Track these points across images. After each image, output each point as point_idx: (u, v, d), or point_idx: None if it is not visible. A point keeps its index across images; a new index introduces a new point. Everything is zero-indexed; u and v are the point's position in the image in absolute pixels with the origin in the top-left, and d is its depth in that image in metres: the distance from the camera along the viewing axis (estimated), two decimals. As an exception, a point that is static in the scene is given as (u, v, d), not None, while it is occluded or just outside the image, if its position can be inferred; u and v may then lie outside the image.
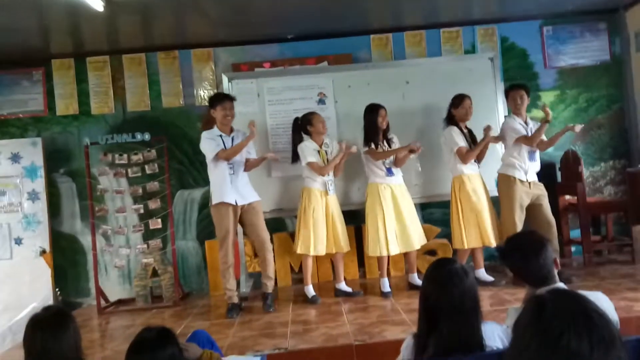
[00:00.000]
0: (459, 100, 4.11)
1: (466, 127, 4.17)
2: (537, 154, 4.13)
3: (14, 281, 4.65)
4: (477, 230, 4.03)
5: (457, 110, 4.11)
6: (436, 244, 4.69)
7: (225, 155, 3.85)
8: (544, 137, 4.04)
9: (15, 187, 4.76)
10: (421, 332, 1.68)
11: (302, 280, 4.25)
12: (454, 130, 4.07)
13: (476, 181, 4.09)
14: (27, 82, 4.96)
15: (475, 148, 4.05)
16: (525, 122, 4.11)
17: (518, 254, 1.92)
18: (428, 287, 1.69)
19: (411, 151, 4.02)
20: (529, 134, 4.04)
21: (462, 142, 4.04)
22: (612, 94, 5.10)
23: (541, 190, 4.09)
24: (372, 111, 4.09)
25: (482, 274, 4.10)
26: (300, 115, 4.24)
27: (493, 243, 4.01)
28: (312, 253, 4.05)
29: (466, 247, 4.03)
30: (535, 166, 4.10)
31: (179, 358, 1.67)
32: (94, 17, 3.93)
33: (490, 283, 4.01)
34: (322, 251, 4.06)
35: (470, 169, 4.08)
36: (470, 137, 4.15)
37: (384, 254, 4.02)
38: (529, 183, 4.04)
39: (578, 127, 3.95)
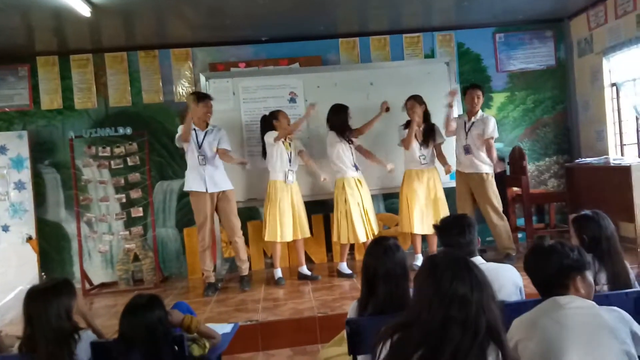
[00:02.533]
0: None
1: (419, 125, 4.54)
2: (472, 148, 4.48)
3: (1, 266, 4.93)
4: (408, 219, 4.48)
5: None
6: (396, 231, 5.14)
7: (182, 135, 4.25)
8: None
9: (2, 178, 5.03)
10: (363, 296, 2.08)
11: (273, 265, 4.65)
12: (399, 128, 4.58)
13: (423, 175, 4.50)
14: (13, 78, 5.21)
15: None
16: (469, 120, 4.53)
17: (452, 231, 2.27)
18: (368, 259, 2.08)
19: (387, 109, 4.63)
20: (466, 131, 4.50)
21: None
22: (556, 95, 5.63)
23: (476, 181, 4.51)
24: (342, 111, 4.49)
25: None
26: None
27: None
28: (279, 240, 4.45)
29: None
30: (466, 159, 4.52)
31: (165, 320, 1.99)
32: (79, 19, 4.20)
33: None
34: (288, 237, 4.46)
35: (425, 165, 4.51)
36: (424, 135, 4.54)
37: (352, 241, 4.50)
38: (464, 174, 4.54)
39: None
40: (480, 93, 4.56)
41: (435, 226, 2.42)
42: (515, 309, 1.83)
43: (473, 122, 4.52)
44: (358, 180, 4.50)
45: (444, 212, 4.45)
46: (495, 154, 4.51)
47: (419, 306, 1.36)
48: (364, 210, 4.45)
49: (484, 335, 1.28)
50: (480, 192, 4.47)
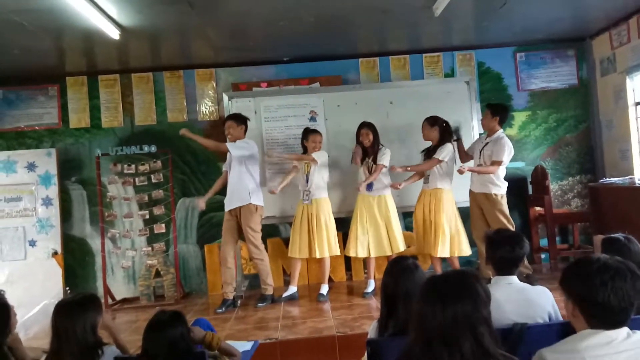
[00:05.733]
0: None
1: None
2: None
3: (27, 280, 5.03)
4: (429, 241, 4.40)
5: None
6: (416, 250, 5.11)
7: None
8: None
9: (30, 194, 5.18)
10: (382, 316, 2.08)
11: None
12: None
13: (430, 196, 4.43)
14: (43, 97, 5.40)
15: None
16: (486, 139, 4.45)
17: (503, 247, 2.18)
18: (387, 280, 2.09)
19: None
20: (480, 150, 4.40)
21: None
22: (579, 114, 5.58)
23: (483, 200, 4.40)
24: (359, 133, 4.52)
25: None
26: (300, 131, 4.73)
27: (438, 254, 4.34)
28: (289, 255, 4.56)
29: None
30: (477, 178, 4.42)
31: (187, 337, 2.03)
32: (108, 42, 4.35)
33: None
34: (297, 254, 4.50)
35: (426, 185, 4.48)
36: (427, 153, 4.52)
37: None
38: (474, 193, 4.46)
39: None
40: (487, 111, 4.43)
41: (487, 237, 2.34)
42: (540, 332, 1.83)
43: (487, 143, 4.41)
44: (367, 197, 4.50)
45: (462, 234, 4.41)
46: (481, 170, 4.32)
47: (412, 328, 1.39)
48: (364, 227, 4.48)
49: (473, 352, 1.27)
50: (489, 212, 4.35)
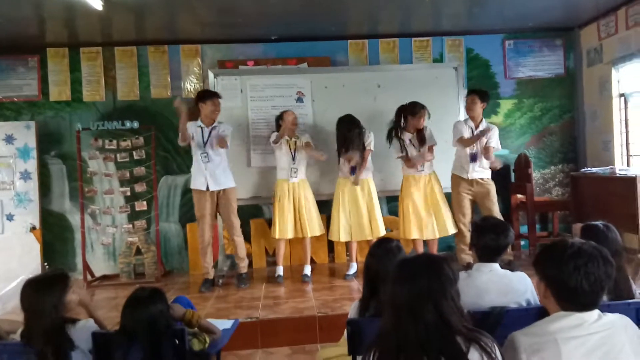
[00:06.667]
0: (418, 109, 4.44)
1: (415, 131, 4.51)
2: (479, 156, 4.39)
3: (5, 254, 4.95)
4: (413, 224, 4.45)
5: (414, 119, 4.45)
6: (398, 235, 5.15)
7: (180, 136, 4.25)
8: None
9: (8, 167, 5.06)
10: (364, 297, 2.09)
11: (276, 262, 4.66)
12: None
13: (420, 181, 4.48)
14: (22, 68, 5.24)
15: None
16: (477, 126, 4.44)
17: (488, 235, 2.18)
18: (370, 261, 2.10)
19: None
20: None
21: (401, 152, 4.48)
22: (564, 104, 5.62)
23: (485, 187, 4.44)
24: (349, 128, 4.42)
25: None
26: (279, 111, 4.62)
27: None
28: (276, 237, 4.49)
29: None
30: (478, 166, 4.43)
31: (166, 314, 2.00)
32: (91, 13, 4.22)
33: None
34: (287, 235, 4.48)
35: (420, 171, 4.48)
36: (420, 140, 4.51)
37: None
38: (471, 181, 4.44)
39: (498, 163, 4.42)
40: (476, 98, 4.41)
41: (474, 223, 2.35)
42: (517, 316, 1.85)
43: (480, 131, 4.41)
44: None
45: (447, 216, 4.46)
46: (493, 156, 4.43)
47: (386, 309, 1.41)
48: (346, 211, 4.48)
49: (437, 325, 1.30)
50: (487, 198, 4.40)
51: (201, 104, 4.29)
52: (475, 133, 4.40)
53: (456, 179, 4.51)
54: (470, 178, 4.43)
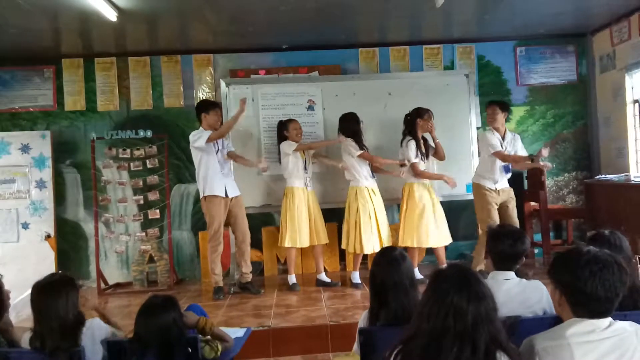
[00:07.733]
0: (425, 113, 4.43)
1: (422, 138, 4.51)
2: (510, 167, 4.40)
3: (20, 262, 4.99)
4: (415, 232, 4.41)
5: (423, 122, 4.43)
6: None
7: (217, 134, 4.24)
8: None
9: (24, 176, 5.14)
10: (373, 306, 2.07)
11: (287, 271, 4.65)
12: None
13: (430, 188, 4.49)
14: (38, 79, 5.34)
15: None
16: (503, 137, 4.37)
17: (505, 241, 2.19)
18: (375, 270, 2.07)
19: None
20: (502, 148, 4.32)
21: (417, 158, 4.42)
22: (577, 111, 5.57)
23: (509, 196, 4.42)
24: (358, 122, 4.46)
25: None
26: (298, 119, 4.63)
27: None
28: (297, 245, 4.47)
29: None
30: (506, 177, 4.43)
31: (179, 322, 2.01)
32: (105, 24, 4.29)
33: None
34: (305, 243, 4.48)
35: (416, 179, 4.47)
36: (426, 148, 4.52)
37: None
38: (498, 190, 4.38)
39: (545, 151, 4.22)
40: (496, 109, 4.36)
41: (490, 230, 2.34)
42: (532, 324, 1.83)
43: (507, 142, 4.38)
44: (372, 190, 4.47)
45: (444, 224, 4.47)
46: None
47: (419, 318, 1.39)
48: (376, 221, 4.41)
49: (487, 347, 1.29)
50: (512, 207, 4.38)
51: (204, 114, 4.34)
52: (504, 146, 4.32)
53: (482, 189, 4.39)
54: (498, 188, 4.38)
